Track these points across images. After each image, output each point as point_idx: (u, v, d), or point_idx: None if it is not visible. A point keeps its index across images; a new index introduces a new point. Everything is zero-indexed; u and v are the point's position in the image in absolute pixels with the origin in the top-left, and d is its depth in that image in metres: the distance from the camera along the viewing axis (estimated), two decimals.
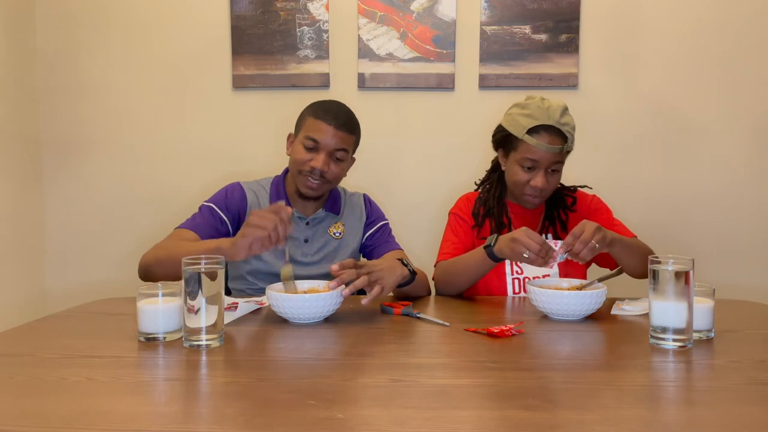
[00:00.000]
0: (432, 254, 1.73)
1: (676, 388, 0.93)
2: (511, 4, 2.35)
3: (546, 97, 1.60)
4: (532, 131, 1.54)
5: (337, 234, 1.69)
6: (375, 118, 2.39)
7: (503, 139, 1.63)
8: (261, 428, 0.76)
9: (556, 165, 1.58)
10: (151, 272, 1.47)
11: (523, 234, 1.40)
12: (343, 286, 1.29)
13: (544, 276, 1.55)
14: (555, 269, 1.63)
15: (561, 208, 1.70)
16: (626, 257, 1.50)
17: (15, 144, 2.35)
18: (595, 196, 1.76)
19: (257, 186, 1.70)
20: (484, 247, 1.49)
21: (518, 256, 1.40)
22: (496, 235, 1.49)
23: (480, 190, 1.77)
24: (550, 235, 1.69)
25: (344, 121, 1.59)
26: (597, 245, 1.37)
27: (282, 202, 1.35)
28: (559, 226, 1.69)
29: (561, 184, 1.73)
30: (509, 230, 1.65)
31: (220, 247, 1.32)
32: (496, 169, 1.75)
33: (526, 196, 1.63)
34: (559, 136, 1.54)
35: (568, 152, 1.60)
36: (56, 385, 0.92)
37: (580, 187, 1.77)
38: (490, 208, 1.69)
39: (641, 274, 1.52)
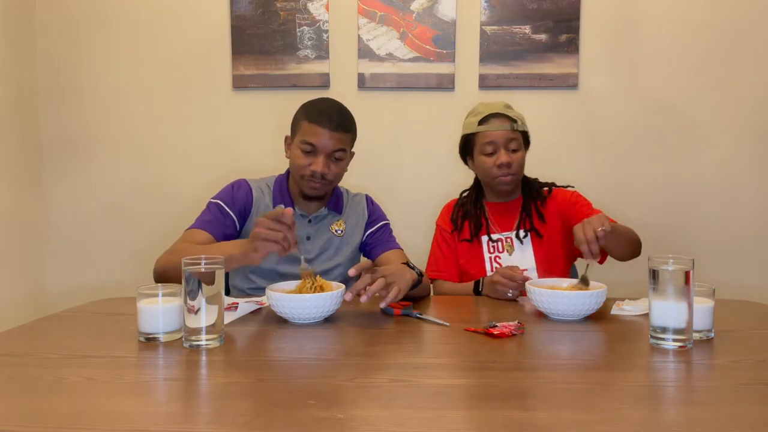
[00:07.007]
0: None
1: (676, 388, 0.93)
2: (511, 4, 2.35)
3: (487, 101, 1.79)
4: (482, 122, 1.72)
5: (339, 231, 1.69)
6: (375, 118, 2.39)
7: (465, 146, 1.78)
8: (261, 428, 0.76)
9: (513, 143, 1.70)
10: (166, 277, 1.45)
11: (499, 276, 1.53)
12: (342, 293, 1.30)
13: (523, 270, 1.57)
14: (532, 264, 1.71)
15: (537, 200, 1.77)
16: (615, 244, 1.54)
17: (15, 144, 2.35)
18: (574, 191, 1.81)
19: (263, 184, 1.71)
20: (474, 291, 1.63)
21: (503, 295, 1.53)
22: (482, 279, 1.62)
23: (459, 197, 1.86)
24: (529, 239, 1.74)
25: (339, 121, 1.58)
26: (604, 230, 1.38)
27: (281, 206, 1.33)
28: (536, 217, 1.75)
29: (536, 179, 1.81)
30: (488, 232, 1.76)
31: (232, 256, 1.31)
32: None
33: (498, 179, 1.71)
34: (506, 119, 1.71)
35: (526, 137, 1.75)
36: (56, 385, 0.92)
37: (564, 186, 1.82)
38: (467, 210, 1.79)
39: (630, 256, 1.62)
